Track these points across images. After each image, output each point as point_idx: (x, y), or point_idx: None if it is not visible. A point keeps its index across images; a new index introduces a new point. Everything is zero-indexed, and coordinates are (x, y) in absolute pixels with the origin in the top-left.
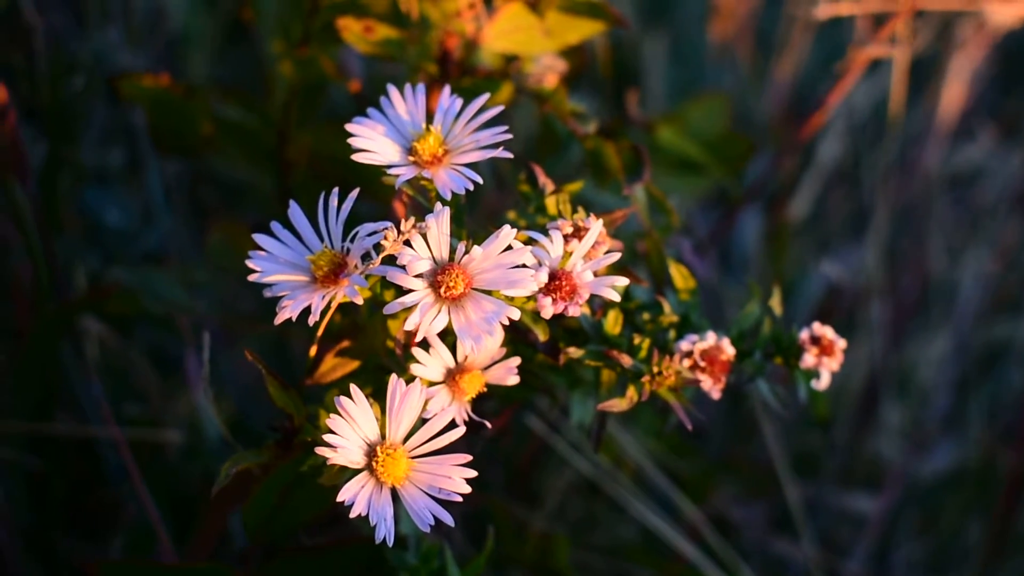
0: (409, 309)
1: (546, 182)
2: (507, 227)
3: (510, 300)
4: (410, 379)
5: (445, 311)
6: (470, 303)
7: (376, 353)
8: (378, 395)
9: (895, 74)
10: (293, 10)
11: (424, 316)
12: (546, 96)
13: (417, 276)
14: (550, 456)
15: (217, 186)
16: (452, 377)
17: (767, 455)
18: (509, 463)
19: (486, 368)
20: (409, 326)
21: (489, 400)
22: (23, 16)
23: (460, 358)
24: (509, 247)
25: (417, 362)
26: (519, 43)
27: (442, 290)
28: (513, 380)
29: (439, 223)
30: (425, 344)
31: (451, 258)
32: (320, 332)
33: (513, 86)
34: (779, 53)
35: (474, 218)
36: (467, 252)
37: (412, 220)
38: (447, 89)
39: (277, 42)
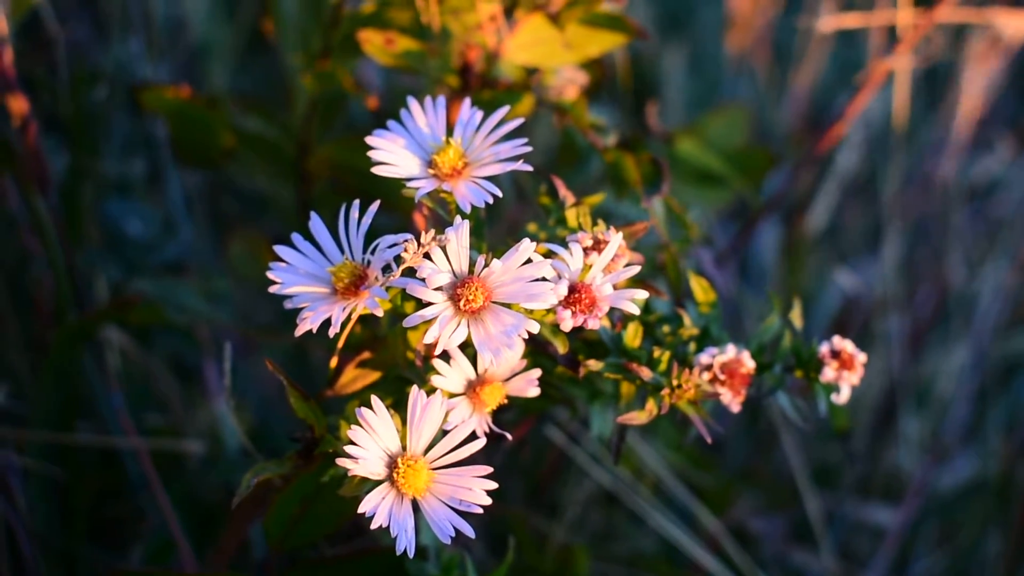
0: (429, 322)
1: (566, 194)
2: (526, 240)
3: (530, 313)
4: (431, 391)
5: (465, 324)
6: (489, 316)
7: (396, 365)
8: (399, 406)
9: (899, 86)
10: (314, 22)
11: (443, 329)
12: (566, 108)
13: (437, 289)
14: (570, 468)
15: (237, 197)
16: (472, 389)
17: (786, 467)
18: (529, 475)
19: (506, 380)
20: (428, 339)
21: (509, 412)
22: (45, 27)
23: (480, 370)
24: (529, 260)
25: (438, 374)
26: (540, 56)
27: (461, 303)
28: (533, 392)
29: (459, 236)
30: (446, 355)
31: (471, 271)
32: (341, 344)
33: (534, 98)
34: (796, 65)
35: (494, 231)
36: (487, 265)
37: (432, 233)
38: (467, 102)
39: (298, 54)
